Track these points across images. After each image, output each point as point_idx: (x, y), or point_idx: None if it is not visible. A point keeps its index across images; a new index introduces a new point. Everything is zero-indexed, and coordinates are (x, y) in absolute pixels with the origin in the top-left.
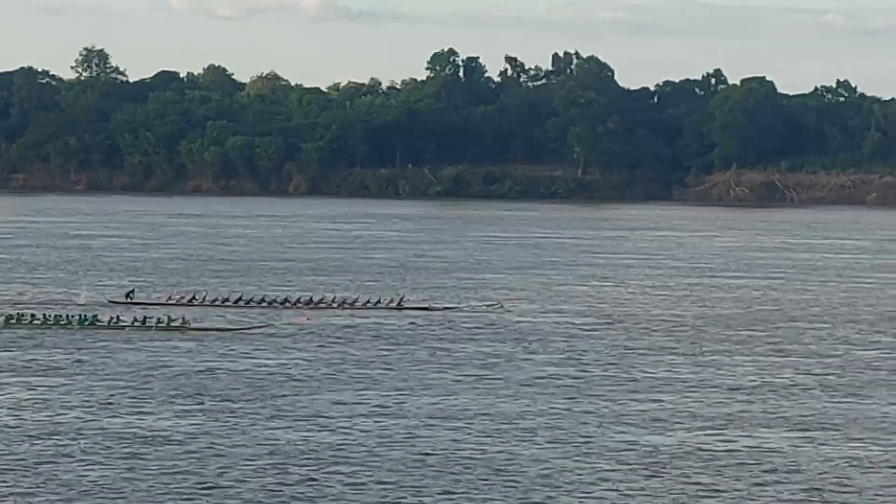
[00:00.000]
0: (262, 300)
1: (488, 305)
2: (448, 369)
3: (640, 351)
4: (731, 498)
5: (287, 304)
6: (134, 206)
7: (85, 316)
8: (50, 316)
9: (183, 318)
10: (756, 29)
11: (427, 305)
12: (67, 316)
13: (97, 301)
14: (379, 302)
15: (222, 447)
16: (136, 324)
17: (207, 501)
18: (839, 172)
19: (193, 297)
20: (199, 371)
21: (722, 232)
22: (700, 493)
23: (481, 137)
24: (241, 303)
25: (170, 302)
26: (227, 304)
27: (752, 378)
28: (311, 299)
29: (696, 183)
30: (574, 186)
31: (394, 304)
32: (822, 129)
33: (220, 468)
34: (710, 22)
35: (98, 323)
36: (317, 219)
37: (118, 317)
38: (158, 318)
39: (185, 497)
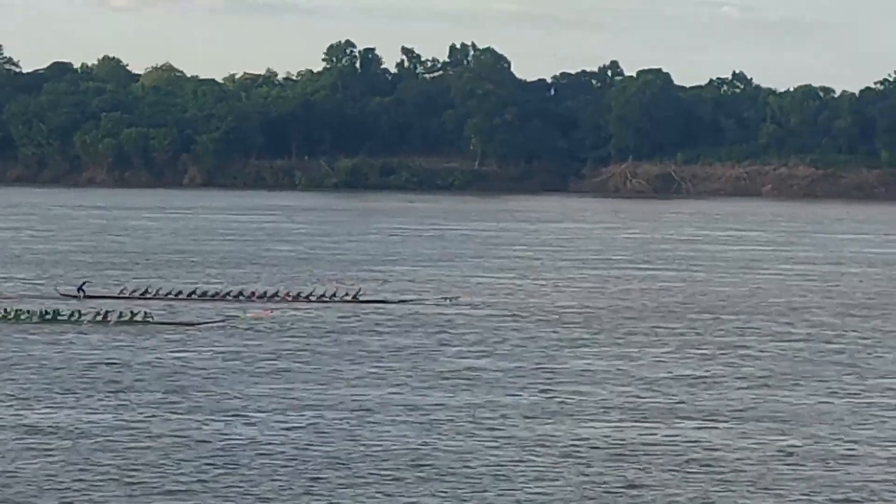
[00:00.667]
0: (217, 294)
1: (445, 299)
2: (368, 362)
3: (556, 343)
4: (654, 489)
5: (241, 297)
6: (29, 197)
7: (45, 310)
8: (10, 311)
9: (144, 313)
10: (652, 21)
11: (383, 298)
12: (28, 311)
13: (50, 294)
14: (335, 295)
15: (145, 440)
16: (97, 318)
17: (128, 494)
18: (735, 164)
19: (146, 291)
20: (132, 364)
21: (626, 224)
22: (622, 485)
23: (378, 129)
24: (194, 296)
25: (122, 295)
26: (180, 297)
27: (668, 370)
28: (265, 293)
29: (592, 174)
30: (471, 178)
31: (350, 297)
32: (718, 121)
33: (143, 462)
34: (606, 13)
35: (59, 317)
36: (218, 210)
37: (79, 311)
38: (120, 312)
39: (105, 490)
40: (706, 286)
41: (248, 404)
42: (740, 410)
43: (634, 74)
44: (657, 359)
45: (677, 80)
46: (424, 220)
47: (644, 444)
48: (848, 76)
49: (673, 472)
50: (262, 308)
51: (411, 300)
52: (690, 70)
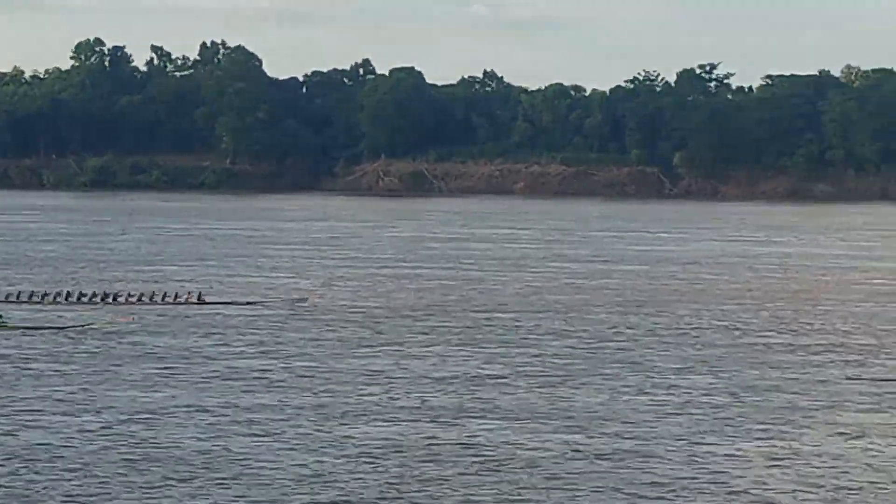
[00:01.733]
0: (58, 295)
1: (294, 300)
2: (158, 364)
3: (340, 342)
4: (449, 489)
5: (83, 299)
6: None
7: None
8: None
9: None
10: (403, 19)
11: (230, 300)
12: None
13: None
14: (178, 296)
15: None
16: None
17: None
18: (487, 162)
19: None
20: None
21: (390, 222)
22: (416, 485)
23: (128, 127)
24: (35, 298)
25: None
26: (10, 299)
27: (453, 369)
28: (107, 294)
29: (345, 173)
30: (223, 176)
31: (194, 299)
32: (471, 119)
33: None
34: (357, 11)
35: None
36: None
37: None
38: None
39: None
40: (481, 284)
41: (39, 407)
42: (528, 409)
43: (387, 73)
44: (442, 358)
45: (429, 79)
46: (186, 219)
47: (437, 444)
48: (598, 74)
49: (467, 472)
50: (114, 311)
51: (258, 302)
52: (442, 68)
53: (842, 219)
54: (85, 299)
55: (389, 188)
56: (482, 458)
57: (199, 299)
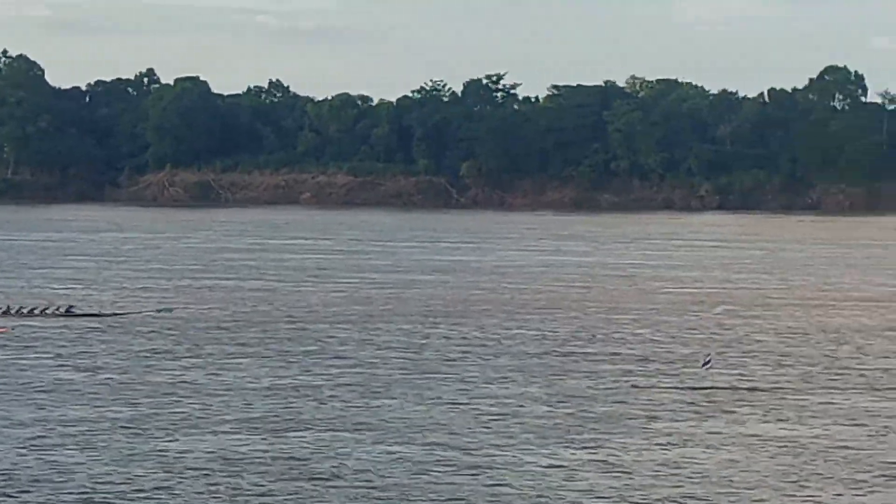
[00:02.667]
0: None
1: (158, 311)
2: None
3: (144, 354)
4: (270, 502)
5: None
6: None
7: None
8: None
9: None
10: (188, 28)
11: (97, 311)
12: None
13: None
14: (47, 308)
15: None
16: None
17: None
18: (273, 172)
19: None
20: None
21: (185, 233)
22: (236, 498)
23: None
24: None
25: None
26: None
27: (267, 380)
28: None
29: (129, 183)
30: (3, 187)
31: (61, 311)
32: (257, 129)
33: None
34: (140, 20)
35: None
36: None
37: None
38: None
39: None
40: (284, 295)
41: None
42: (349, 420)
43: (171, 82)
44: (257, 369)
45: (215, 88)
46: None
47: (257, 457)
48: (385, 84)
49: (289, 486)
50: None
51: (127, 313)
52: (228, 78)
53: (632, 228)
54: None
55: (175, 199)
56: (303, 472)
57: (66, 311)
